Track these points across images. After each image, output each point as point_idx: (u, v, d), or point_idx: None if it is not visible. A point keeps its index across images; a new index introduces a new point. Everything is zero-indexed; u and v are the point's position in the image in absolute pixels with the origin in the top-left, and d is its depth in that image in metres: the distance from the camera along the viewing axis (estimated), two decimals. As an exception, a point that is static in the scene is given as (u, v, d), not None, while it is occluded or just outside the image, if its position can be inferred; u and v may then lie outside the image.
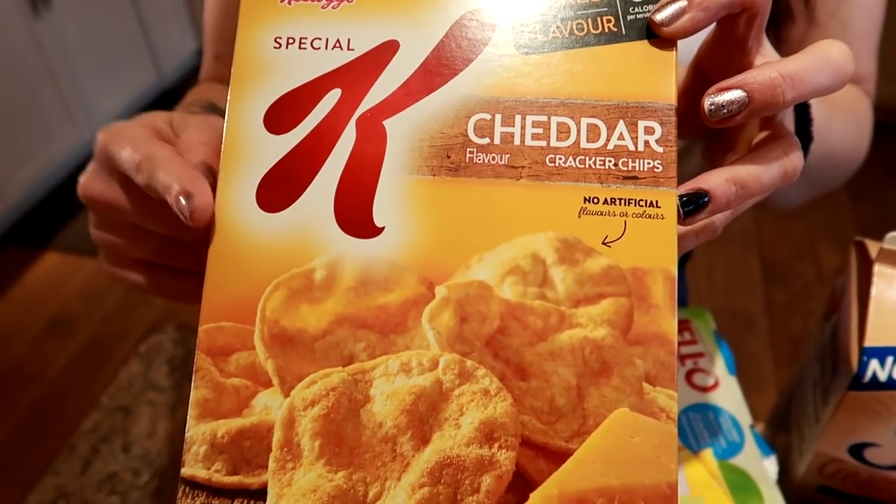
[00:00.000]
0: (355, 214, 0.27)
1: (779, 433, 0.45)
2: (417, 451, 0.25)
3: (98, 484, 0.49)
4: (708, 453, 0.39)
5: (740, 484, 0.37)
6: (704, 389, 0.43)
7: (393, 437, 0.26)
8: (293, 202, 0.28)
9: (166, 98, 3.00)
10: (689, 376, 0.44)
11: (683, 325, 0.47)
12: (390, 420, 0.26)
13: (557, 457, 0.25)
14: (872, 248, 0.38)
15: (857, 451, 0.37)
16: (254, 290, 0.27)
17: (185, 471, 0.26)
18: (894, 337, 0.35)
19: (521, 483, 0.25)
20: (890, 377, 0.35)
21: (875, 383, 0.35)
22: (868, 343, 0.35)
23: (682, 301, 0.75)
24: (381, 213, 0.27)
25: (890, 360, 0.35)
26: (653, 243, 0.26)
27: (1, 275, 2.05)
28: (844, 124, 0.47)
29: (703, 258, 1.95)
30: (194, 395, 0.27)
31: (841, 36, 0.49)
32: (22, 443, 1.54)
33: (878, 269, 0.36)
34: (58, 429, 1.56)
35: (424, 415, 0.26)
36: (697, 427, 0.40)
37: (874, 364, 0.35)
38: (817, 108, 0.38)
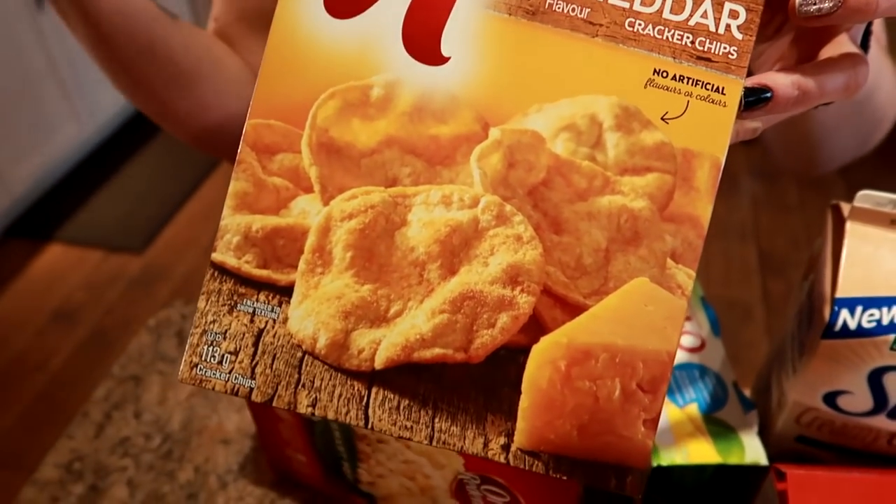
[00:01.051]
0: (423, 38, 0.27)
1: (761, 394, 0.47)
2: (444, 279, 0.26)
3: (111, 447, 0.50)
4: (693, 407, 0.41)
5: (723, 435, 0.39)
6: (692, 350, 0.45)
7: (422, 263, 0.27)
8: (362, 11, 0.27)
9: (168, 92, 2.97)
10: None
11: None
12: (423, 246, 0.27)
13: (574, 309, 0.26)
14: (846, 209, 0.39)
15: (830, 399, 0.39)
16: (308, 95, 0.27)
17: (216, 256, 0.27)
18: (863, 288, 0.37)
19: (535, 327, 0.26)
20: (859, 325, 0.37)
21: (846, 331, 0.37)
22: (839, 294, 0.37)
23: None
24: (449, 42, 0.27)
25: (859, 309, 0.37)
26: (709, 128, 0.27)
27: (5, 267, 2.05)
28: (887, 69, 0.47)
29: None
30: (233, 186, 0.27)
31: None
32: (27, 431, 1.58)
33: (850, 227, 0.38)
34: (62, 417, 1.59)
35: (456, 248, 0.27)
36: (684, 384, 0.42)
37: (845, 313, 0.37)
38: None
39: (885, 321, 0.36)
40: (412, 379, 0.27)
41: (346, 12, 0.27)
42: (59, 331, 1.86)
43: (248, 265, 0.26)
